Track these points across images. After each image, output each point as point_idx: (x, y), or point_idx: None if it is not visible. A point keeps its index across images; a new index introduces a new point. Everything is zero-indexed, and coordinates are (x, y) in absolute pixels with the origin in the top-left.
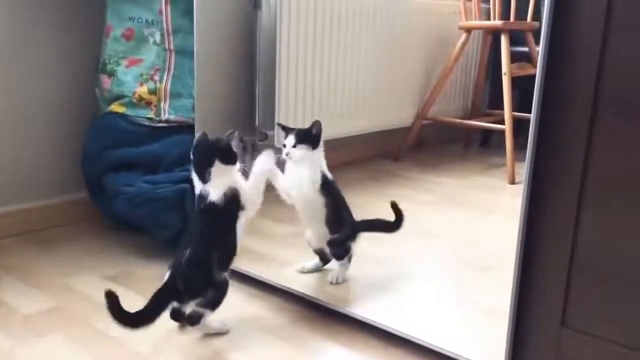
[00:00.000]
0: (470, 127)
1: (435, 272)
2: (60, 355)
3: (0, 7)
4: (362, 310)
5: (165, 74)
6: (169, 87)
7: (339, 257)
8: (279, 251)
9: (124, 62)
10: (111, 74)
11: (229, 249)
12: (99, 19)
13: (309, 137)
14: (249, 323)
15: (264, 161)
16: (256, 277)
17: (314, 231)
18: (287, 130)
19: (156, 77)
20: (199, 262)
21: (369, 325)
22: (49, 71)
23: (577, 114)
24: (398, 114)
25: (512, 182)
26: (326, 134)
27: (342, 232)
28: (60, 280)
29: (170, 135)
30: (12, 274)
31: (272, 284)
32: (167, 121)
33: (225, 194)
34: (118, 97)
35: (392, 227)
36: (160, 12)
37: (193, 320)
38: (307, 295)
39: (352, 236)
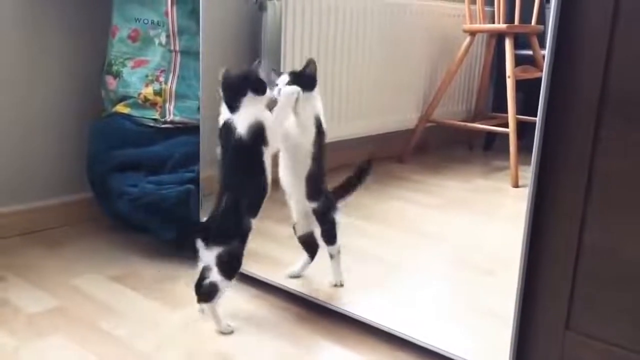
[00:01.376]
0: (474, 129)
1: (439, 275)
2: (65, 354)
3: (6, 10)
4: (364, 311)
5: (171, 75)
6: (174, 88)
7: (329, 237)
8: (281, 252)
9: (130, 63)
10: (117, 74)
11: (260, 192)
12: (103, 20)
13: (302, 78)
14: (252, 323)
15: (290, 90)
16: (258, 277)
17: (294, 195)
18: (281, 74)
19: (161, 78)
20: (231, 209)
21: (371, 327)
22: (55, 72)
23: (583, 116)
24: (402, 116)
25: (516, 185)
26: (330, 135)
27: (321, 202)
28: (65, 280)
29: (175, 136)
30: (17, 273)
31: (274, 284)
32: (172, 122)
33: (251, 125)
34: (123, 98)
35: (360, 177)
36: (166, 13)
37: (210, 291)
38: (309, 296)
39: (333, 207)
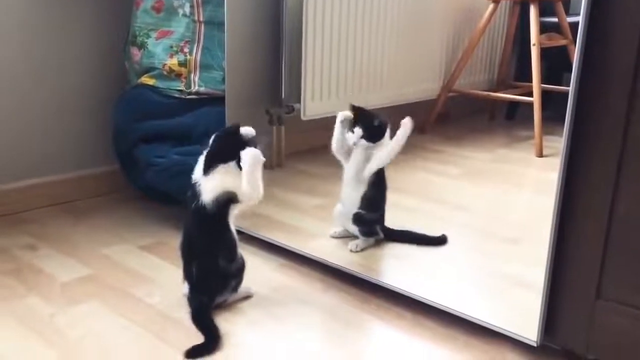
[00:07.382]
0: (498, 99)
1: (463, 244)
2: (100, 321)
3: None
4: (390, 280)
5: (195, 45)
6: (198, 59)
7: (365, 235)
8: (308, 223)
9: (154, 34)
10: (141, 46)
11: (231, 242)
12: None
13: (374, 132)
14: (280, 292)
15: (249, 160)
16: (286, 247)
17: (346, 199)
18: (355, 110)
19: (186, 49)
20: (210, 273)
21: (397, 294)
22: (79, 44)
23: (618, 84)
24: (424, 86)
25: (540, 155)
26: None
27: (370, 214)
28: (95, 249)
29: (200, 107)
30: (49, 243)
31: (302, 253)
32: (197, 93)
33: (217, 199)
34: (148, 70)
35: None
36: None
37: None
38: (337, 265)
39: (378, 221)
